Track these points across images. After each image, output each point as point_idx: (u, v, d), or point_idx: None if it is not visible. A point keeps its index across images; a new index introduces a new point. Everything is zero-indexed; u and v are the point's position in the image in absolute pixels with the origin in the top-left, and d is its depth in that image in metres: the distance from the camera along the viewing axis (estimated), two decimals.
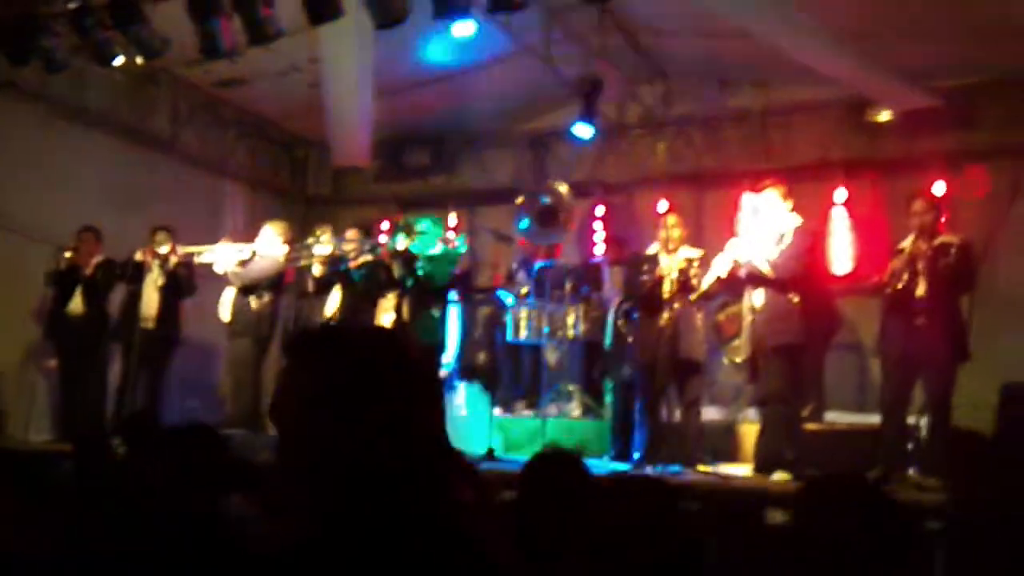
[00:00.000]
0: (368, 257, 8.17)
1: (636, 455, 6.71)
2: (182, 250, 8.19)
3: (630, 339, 7.47)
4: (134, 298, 8.09)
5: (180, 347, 8.40)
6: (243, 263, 8.16)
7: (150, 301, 8.08)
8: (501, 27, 7.88)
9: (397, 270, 7.80)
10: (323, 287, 8.17)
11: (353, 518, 1.26)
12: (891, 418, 6.16)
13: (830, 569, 2.26)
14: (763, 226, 6.45)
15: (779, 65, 8.58)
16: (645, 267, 6.76)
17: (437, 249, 8.00)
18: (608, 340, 7.92)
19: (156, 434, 4.04)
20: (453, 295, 8.04)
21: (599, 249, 9.91)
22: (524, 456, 4.10)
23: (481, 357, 8.27)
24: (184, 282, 8.24)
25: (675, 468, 6.27)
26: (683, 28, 8.71)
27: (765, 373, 6.31)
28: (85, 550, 3.09)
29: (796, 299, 6.26)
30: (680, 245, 6.74)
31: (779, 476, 5.94)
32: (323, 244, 8.19)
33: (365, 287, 8.09)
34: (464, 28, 6.90)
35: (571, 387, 8.38)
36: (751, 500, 5.32)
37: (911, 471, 6.01)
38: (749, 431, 7.17)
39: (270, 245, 8.25)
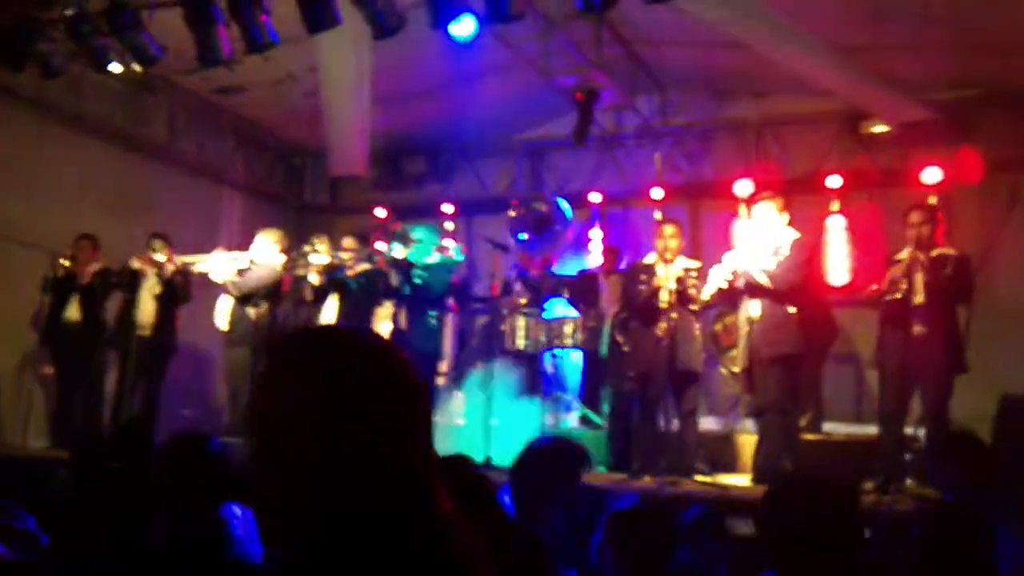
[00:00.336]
0: (365, 266, 8.16)
1: (634, 465, 6.70)
2: (178, 259, 8.17)
3: (626, 349, 7.47)
4: (130, 306, 8.08)
5: (176, 355, 8.37)
6: (240, 272, 8.14)
7: (146, 309, 8.06)
8: (498, 38, 7.89)
9: (394, 279, 7.80)
10: (320, 296, 8.16)
11: (330, 529, 1.20)
12: (889, 428, 6.16)
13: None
14: (760, 238, 6.46)
15: (775, 76, 8.61)
16: (642, 277, 6.75)
17: (433, 258, 8.00)
18: (604, 350, 7.92)
19: (152, 443, 4.02)
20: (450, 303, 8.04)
21: (595, 259, 9.91)
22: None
23: (479, 366, 8.25)
24: (180, 290, 8.22)
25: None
26: (679, 39, 8.72)
27: (762, 383, 6.31)
28: (81, 558, 3.07)
29: (793, 310, 6.27)
30: (677, 255, 6.73)
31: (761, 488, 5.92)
32: (320, 253, 8.17)
33: (362, 296, 8.09)
34: (464, 27, 6.84)
35: (568, 396, 8.37)
36: (748, 510, 5.31)
37: (909, 481, 6.00)
38: (747, 441, 7.17)
39: (266, 253, 8.23)
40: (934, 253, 6.12)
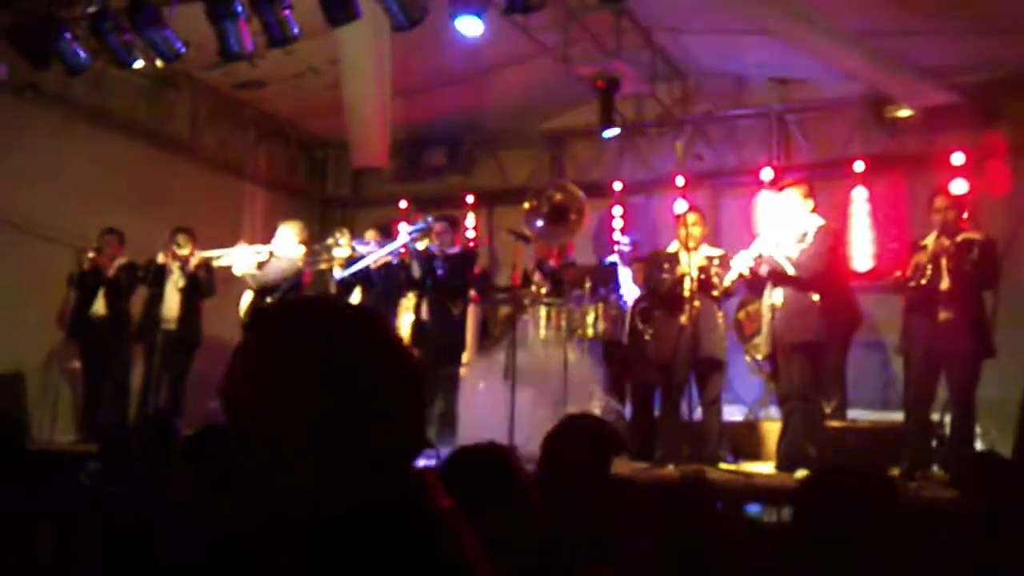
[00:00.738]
0: (388, 258, 8.18)
1: (657, 454, 6.69)
2: (201, 254, 8.23)
3: (648, 337, 7.46)
4: (155, 300, 8.14)
5: (201, 348, 8.43)
6: (260, 265, 8.18)
7: (171, 303, 8.13)
8: (518, 28, 7.88)
9: (416, 270, 7.81)
10: (344, 289, 8.19)
11: (311, 512, 1.13)
12: (914, 415, 6.12)
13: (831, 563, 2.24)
14: (785, 225, 6.42)
15: (797, 62, 8.55)
16: (665, 265, 6.74)
17: (455, 248, 8.01)
18: (625, 338, 7.90)
19: (178, 435, 4.05)
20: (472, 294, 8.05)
21: (617, 248, 9.88)
22: None
23: (501, 357, 8.24)
24: (204, 284, 8.28)
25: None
26: (700, 27, 8.68)
27: (786, 371, 6.29)
28: (111, 551, 3.11)
29: (816, 297, 6.24)
30: (700, 243, 6.71)
31: (802, 474, 5.90)
32: (342, 247, 8.20)
33: (385, 288, 8.11)
34: (471, 26, 6.85)
35: (591, 386, 8.35)
36: (774, 498, 5.29)
37: (935, 468, 5.97)
38: (771, 429, 7.14)
39: (286, 246, 8.27)
40: (960, 238, 6.07)
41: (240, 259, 8.22)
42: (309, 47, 7.80)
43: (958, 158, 7.85)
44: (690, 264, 6.49)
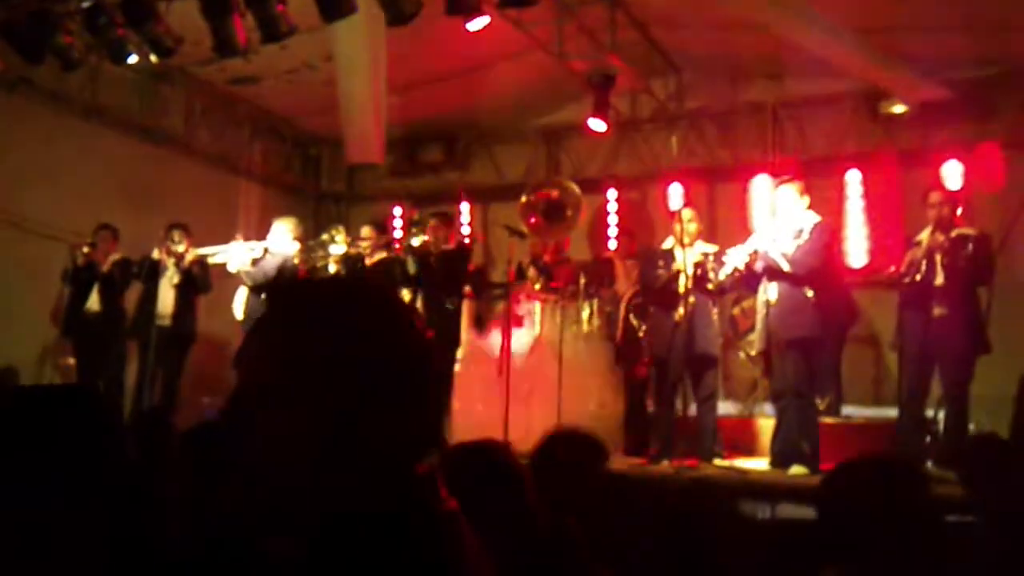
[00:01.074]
0: (383, 254, 8.19)
1: (652, 450, 6.70)
2: (195, 251, 8.21)
3: (641, 334, 7.47)
4: (150, 296, 8.12)
5: (196, 344, 8.42)
6: (255, 261, 8.17)
7: (166, 299, 8.11)
8: (513, 23, 7.87)
9: (411, 265, 7.81)
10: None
11: (309, 509, 1.09)
12: (908, 411, 6.14)
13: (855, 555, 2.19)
14: (780, 221, 6.42)
15: (792, 58, 8.55)
16: (660, 262, 6.74)
17: (450, 244, 8.00)
18: (619, 334, 7.91)
19: (172, 432, 4.04)
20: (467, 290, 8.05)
21: (612, 244, 9.89)
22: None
23: (495, 352, 8.25)
24: (199, 280, 8.26)
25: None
26: (695, 22, 8.68)
27: (780, 367, 6.29)
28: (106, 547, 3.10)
29: (811, 293, 6.23)
30: (696, 240, 6.71)
31: (796, 470, 5.92)
32: (338, 244, 8.19)
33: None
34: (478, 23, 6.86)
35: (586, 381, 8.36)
36: (767, 494, 5.31)
37: (929, 464, 5.98)
38: (765, 425, 7.15)
39: (281, 242, 8.26)
40: (954, 234, 6.08)
41: (235, 256, 8.20)
42: (304, 43, 7.78)
43: (952, 154, 7.86)
44: (685, 260, 6.49)
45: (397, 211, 10.98)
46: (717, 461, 6.42)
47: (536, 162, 11.06)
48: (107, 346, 8.17)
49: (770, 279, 6.31)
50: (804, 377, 6.20)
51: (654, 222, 9.77)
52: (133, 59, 7.48)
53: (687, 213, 6.77)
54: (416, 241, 7.79)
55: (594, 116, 8.84)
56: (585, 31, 8.37)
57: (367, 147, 9.71)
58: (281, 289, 1.25)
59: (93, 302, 8.15)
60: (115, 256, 8.25)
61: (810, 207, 6.44)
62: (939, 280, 6.00)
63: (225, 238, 8.46)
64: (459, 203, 10.84)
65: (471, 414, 7.84)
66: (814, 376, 6.39)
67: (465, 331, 8.42)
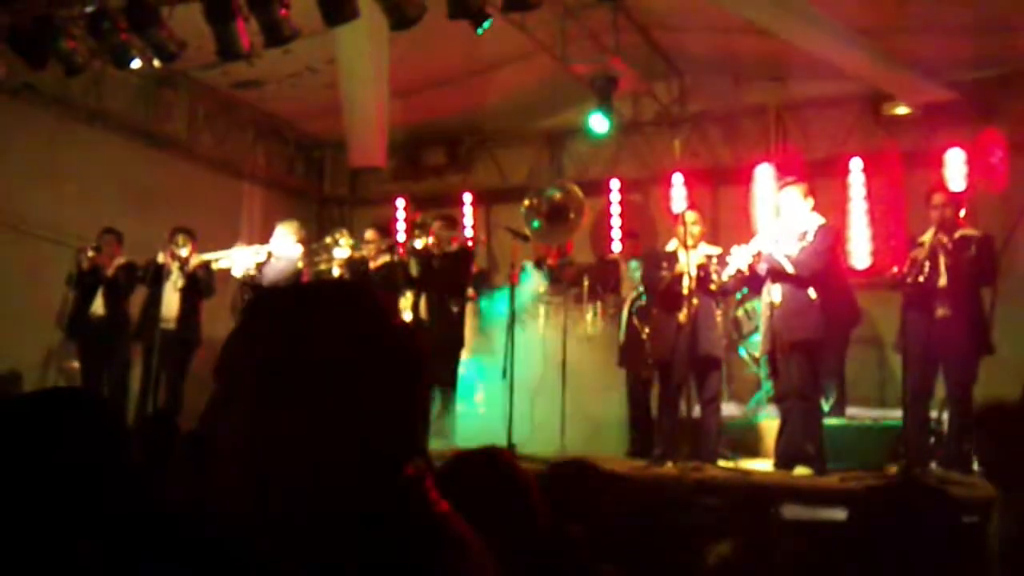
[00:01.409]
0: (387, 257, 8.19)
1: (656, 452, 6.70)
2: (199, 256, 8.22)
3: (644, 336, 7.46)
4: (154, 300, 8.13)
5: (200, 348, 8.43)
6: (259, 266, 8.18)
7: (170, 303, 8.12)
8: (516, 26, 7.88)
9: (414, 268, 7.82)
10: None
11: (295, 512, 1.08)
12: (913, 412, 6.12)
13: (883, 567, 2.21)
14: (784, 222, 6.42)
15: (795, 60, 8.55)
16: (664, 264, 6.74)
17: (452, 247, 8.01)
18: (622, 335, 7.90)
19: (177, 435, 4.05)
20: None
21: (615, 246, 9.90)
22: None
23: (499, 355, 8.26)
24: (204, 284, 8.27)
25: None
26: (698, 24, 8.68)
27: (784, 368, 6.28)
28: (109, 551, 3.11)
29: (814, 295, 6.22)
30: (699, 241, 6.71)
31: (800, 471, 5.91)
32: (342, 247, 8.20)
33: (383, 287, 8.10)
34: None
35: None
36: (772, 496, 5.30)
37: (933, 465, 5.97)
38: (770, 426, 7.14)
39: (284, 246, 8.27)
40: (957, 235, 6.07)
41: (239, 260, 8.22)
42: (307, 47, 7.79)
43: (956, 155, 7.85)
44: (689, 262, 6.48)
45: (400, 214, 10.99)
46: (721, 463, 6.41)
47: (539, 165, 11.07)
48: (111, 350, 8.18)
49: (773, 281, 6.31)
50: (808, 379, 6.19)
51: (657, 224, 9.76)
52: (136, 64, 7.49)
53: (690, 215, 6.76)
54: (419, 244, 7.80)
55: (597, 112, 8.87)
56: (588, 34, 8.38)
57: (370, 150, 9.74)
58: (263, 294, 1.23)
59: (98, 306, 8.16)
60: (120, 260, 8.26)
61: (815, 209, 6.44)
62: (942, 281, 6.00)
63: (228, 241, 8.49)
64: (462, 206, 10.85)
65: (475, 416, 7.86)
66: (818, 378, 6.39)
67: (468, 333, 8.42)
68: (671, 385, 6.67)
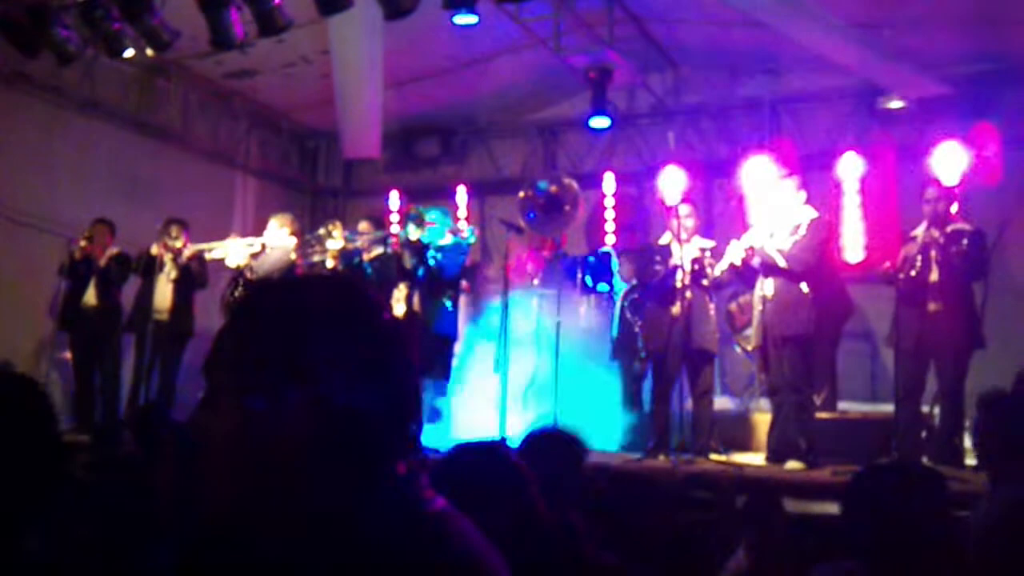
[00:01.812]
0: (380, 249, 8.18)
1: (648, 445, 6.71)
2: (193, 248, 8.20)
3: (637, 329, 7.47)
4: (147, 290, 8.11)
5: (193, 340, 8.41)
6: (254, 257, 8.17)
7: (163, 294, 8.10)
8: (511, 17, 7.86)
9: (408, 261, 7.81)
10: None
11: (289, 509, 1.08)
12: (904, 406, 6.13)
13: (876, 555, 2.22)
14: (777, 217, 6.42)
15: (790, 53, 8.54)
16: (657, 257, 6.74)
17: (447, 239, 8.00)
18: (615, 329, 7.91)
19: (169, 427, 4.04)
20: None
21: (609, 239, 9.89)
22: None
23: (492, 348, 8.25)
24: (197, 275, 8.26)
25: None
26: (693, 17, 8.67)
27: (776, 363, 6.29)
28: (99, 542, 3.11)
29: (807, 289, 6.24)
30: (693, 235, 6.71)
31: (792, 465, 5.93)
32: (335, 239, 8.19)
33: (377, 279, 8.10)
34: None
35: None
36: (764, 489, 5.31)
37: (924, 460, 5.99)
38: (762, 420, 7.16)
39: (278, 237, 8.26)
40: (949, 229, 6.08)
41: (233, 252, 8.20)
42: (301, 37, 7.78)
43: (949, 149, 7.82)
44: (683, 256, 6.49)
45: (394, 206, 10.97)
46: (713, 456, 6.42)
47: (533, 157, 11.06)
48: (104, 340, 8.17)
49: (766, 275, 6.32)
50: (800, 373, 6.21)
51: (651, 217, 9.76)
52: (129, 53, 7.47)
53: (685, 209, 6.77)
54: (413, 235, 7.78)
55: (596, 115, 8.88)
56: (583, 26, 8.36)
57: (364, 141, 9.72)
58: (252, 291, 1.22)
59: (90, 296, 8.13)
60: (112, 250, 8.24)
61: (807, 203, 6.44)
62: (934, 276, 6.00)
63: (221, 232, 8.47)
64: (456, 197, 10.83)
65: (468, 409, 7.85)
66: (810, 371, 6.40)
67: (462, 326, 8.42)
68: (664, 378, 6.67)
